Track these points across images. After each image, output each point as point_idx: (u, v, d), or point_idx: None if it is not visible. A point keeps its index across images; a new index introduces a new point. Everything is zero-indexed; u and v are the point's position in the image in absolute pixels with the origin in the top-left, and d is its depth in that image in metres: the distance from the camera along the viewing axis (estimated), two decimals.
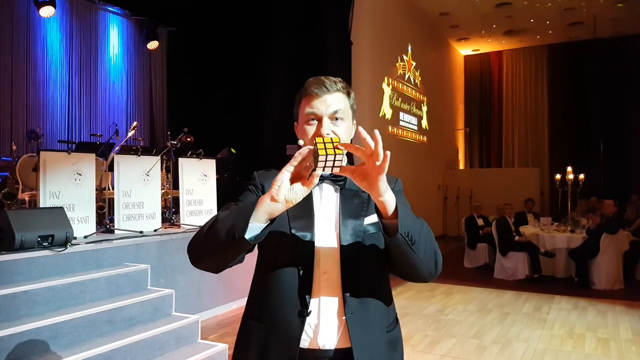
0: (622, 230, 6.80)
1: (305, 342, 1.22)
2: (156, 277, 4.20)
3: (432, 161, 12.58)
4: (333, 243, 1.27)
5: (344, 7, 8.56)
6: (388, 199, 1.11)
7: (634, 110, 13.01)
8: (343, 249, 1.25)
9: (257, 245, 1.26)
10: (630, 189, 11.05)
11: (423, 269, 1.20)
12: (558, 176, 8.52)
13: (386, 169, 1.06)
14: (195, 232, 1.27)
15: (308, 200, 1.28)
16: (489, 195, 11.05)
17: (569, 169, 7.94)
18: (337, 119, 1.28)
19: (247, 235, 1.09)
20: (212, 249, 1.18)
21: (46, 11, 7.23)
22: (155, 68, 9.58)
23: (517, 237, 7.35)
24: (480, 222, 8.47)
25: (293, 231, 1.26)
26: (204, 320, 4.44)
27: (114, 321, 3.34)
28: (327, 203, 1.31)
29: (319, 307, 1.24)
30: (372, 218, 1.28)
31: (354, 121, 1.36)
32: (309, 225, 1.27)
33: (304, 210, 1.27)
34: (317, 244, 1.26)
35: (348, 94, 1.32)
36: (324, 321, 1.23)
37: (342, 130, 1.28)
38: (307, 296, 1.22)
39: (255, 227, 1.10)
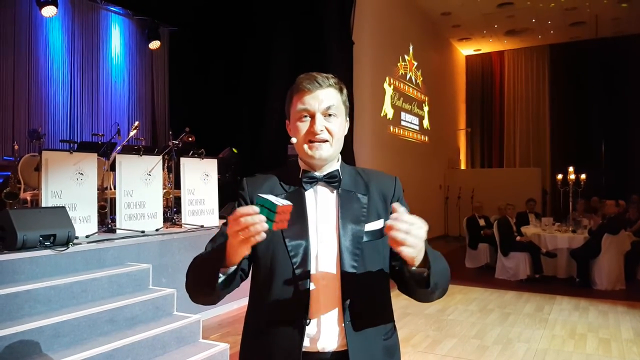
0: (623, 230, 6.79)
1: (304, 347, 1.21)
2: (158, 277, 4.21)
3: (434, 161, 12.58)
4: (333, 248, 1.23)
5: (345, 6, 8.56)
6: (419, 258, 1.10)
7: (636, 110, 12.98)
8: (343, 255, 1.22)
9: (251, 257, 1.26)
10: (631, 189, 11.02)
11: (434, 299, 1.24)
12: (560, 176, 8.51)
13: (405, 245, 1.02)
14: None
15: (300, 205, 1.26)
16: (490, 195, 11.04)
17: (571, 169, 7.93)
18: (330, 114, 1.25)
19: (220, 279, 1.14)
20: (199, 293, 1.23)
21: (48, 11, 7.25)
22: (157, 68, 9.59)
23: (518, 237, 7.34)
24: (481, 222, 8.46)
25: (287, 240, 1.22)
26: (206, 320, 4.45)
27: (116, 320, 3.35)
28: (324, 205, 1.27)
29: (319, 314, 1.21)
30: (370, 226, 1.26)
31: (347, 118, 1.32)
32: (303, 232, 1.23)
33: (297, 216, 1.23)
34: (314, 250, 1.23)
35: (340, 90, 1.28)
36: (324, 328, 1.22)
37: (335, 126, 1.25)
38: (305, 305, 1.20)
39: (228, 270, 1.15)
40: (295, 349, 1.19)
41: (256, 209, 1.02)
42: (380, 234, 1.27)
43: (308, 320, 1.20)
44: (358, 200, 1.28)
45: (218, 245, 1.18)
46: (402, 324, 4.77)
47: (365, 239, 1.24)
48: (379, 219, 1.28)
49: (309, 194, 1.28)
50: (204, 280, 1.17)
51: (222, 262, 1.12)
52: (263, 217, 1.02)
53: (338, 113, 1.26)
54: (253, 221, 1.01)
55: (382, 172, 1.40)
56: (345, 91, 1.31)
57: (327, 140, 1.24)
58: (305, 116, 1.24)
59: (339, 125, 1.27)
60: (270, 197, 1.04)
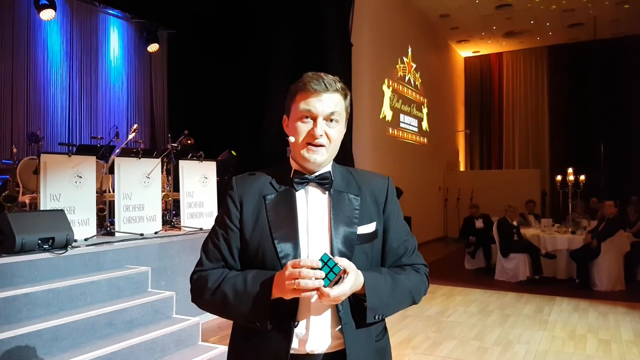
0: (622, 231, 6.78)
1: (292, 349, 1.20)
2: (157, 280, 4.20)
3: (433, 163, 12.58)
4: (324, 250, 1.21)
5: (344, 9, 8.57)
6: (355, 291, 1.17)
7: (635, 111, 13.00)
8: (334, 257, 1.19)
9: (240, 257, 1.26)
10: (630, 190, 11.04)
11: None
12: (559, 177, 8.51)
13: (326, 296, 1.09)
14: (197, 276, 1.28)
15: (290, 206, 1.24)
16: (489, 197, 11.05)
17: (570, 170, 7.94)
18: (332, 120, 1.23)
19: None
20: (224, 316, 1.26)
21: (47, 14, 7.25)
22: (155, 70, 9.59)
23: (515, 237, 7.32)
24: (478, 223, 8.41)
25: (276, 242, 1.21)
26: (205, 323, 4.44)
27: (115, 323, 3.34)
28: (316, 206, 1.26)
29: (309, 316, 1.20)
30: (362, 229, 1.25)
31: (346, 123, 1.32)
32: (293, 234, 1.22)
33: (286, 217, 1.23)
34: (305, 251, 1.21)
35: (345, 96, 1.27)
36: (313, 330, 1.21)
37: (335, 132, 1.24)
38: (294, 308, 1.18)
39: None
40: (283, 352, 1.19)
41: (319, 264, 1.08)
42: (372, 237, 1.27)
43: (296, 323, 1.19)
44: (350, 201, 1.27)
45: (262, 294, 1.16)
46: (401, 325, 4.76)
47: (356, 242, 1.24)
48: (371, 221, 1.28)
49: (300, 195, 1.27)
50: (242, 318, 1.21)
51: (269, 313, 1.15)
52: (323, 274, 1.08)
53: (340, 119, 1.25)
54: (315, 276, 1.07)
55: (374, 173, 1.39)
56: (349, 97, 1.29)
57: (324, 145, 1.23)
58: (307, 117, 1.22)
59: (339, 131, 1.26)
60: (336, 259, 1.10)
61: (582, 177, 8.28)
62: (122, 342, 3.17)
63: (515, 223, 7.38)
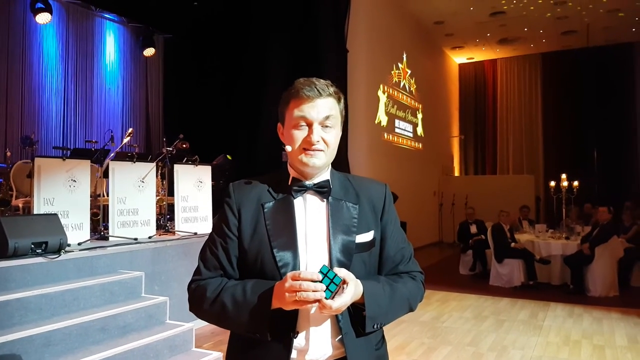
0: (616, 236, 6.82)
1: (292, 359, 1.20)
2: (150, 285, 4.18)
3: (428, 168, 12.62)
4: (323, 258, 1.21)
5: (339, 15, 8.61)
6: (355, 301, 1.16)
7: (628, 117, 13.12)
8: (333, 266, 1.19)
9: (237, 265, 1.26)
10: (624, 195, 11.10)
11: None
12: (552, 183, 8.55)
13: (328, 308, 1.09)
14: (195, 289, 1.26)
15: (289, 214, 1.23)
16: (484, 202, 11.07)
17: (564, 176, 7.98)
18: (327, 125, 1.22)
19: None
20: (222, 326, 1.25)
21: (42, 17, 7.24)
22: (151, 75, 9.59)
23: (512, 244, 7.36)
24: (473, 228, 8.45)
25: (275, 250, 1.19)
26: (199, 329, 4.41)
27: (108, 329, 3.32)
28: (314, 215, 1.25)
29: (309, 327, 1.20)
30: (361, 237, 1.25)
31: (341, 127, 1.30)
32: (292, 242, 1.21)
33: (285, 226, 1.22)
34: (304, 260, 1.20)
35: (339, 100, 1.26)
36: (313, 340, 1.20)
37: (332, 136, 1.23)
38: (293, 318, 1.17)
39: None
40: None
41: (319, 276, 1.07)
42: (369, 246, 1.27)
43: (296, 334, 1.18)
44: (349, 209, 1.26)
45: (262, 304, 1.14)
46: (396, 331, 4.76)
47: (355, 251, 1.23)
48: (368, 230, 1.27)
49: (298, 202, 1.26)
50: (241, 329, 1.19)
51: (268, 324, 1.14)
52: (324, 287, 1.07)
53: (335, 124, 1.24)
54: (315, 289, 1.06)
55: (372, 180, 1.38)
56: (342, 100, 1.28)
57: (322, 150, 1.22)
58: (302, 124, 1.21)
59: (335, 136, 1.25)
60: (336, 269, 1.10)
61: (576, 183, 8.32)
62: (116, 347, 3.14)
63: (507, 226, 7.39)
